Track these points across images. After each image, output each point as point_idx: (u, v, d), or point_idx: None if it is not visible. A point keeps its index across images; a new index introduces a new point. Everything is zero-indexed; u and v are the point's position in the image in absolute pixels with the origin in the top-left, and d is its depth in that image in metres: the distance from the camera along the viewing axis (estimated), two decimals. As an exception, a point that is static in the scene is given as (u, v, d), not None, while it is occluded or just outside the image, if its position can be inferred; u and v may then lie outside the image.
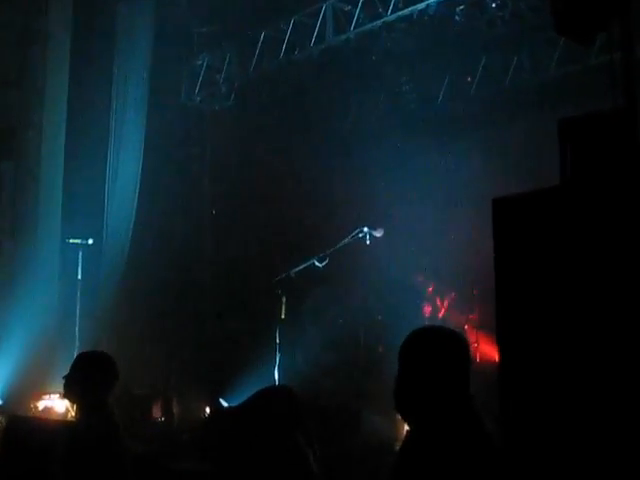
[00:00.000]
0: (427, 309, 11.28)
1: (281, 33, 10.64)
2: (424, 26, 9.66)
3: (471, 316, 11.04)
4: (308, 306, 10.89)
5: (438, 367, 3.00)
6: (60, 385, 5.10)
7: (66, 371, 4.93)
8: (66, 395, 5.07)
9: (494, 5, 9.47)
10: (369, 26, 9.88)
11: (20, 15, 10.19)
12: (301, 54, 10.53)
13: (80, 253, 9.80)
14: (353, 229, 9.19)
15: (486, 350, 10.13)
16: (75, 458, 4.64)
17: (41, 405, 9.34)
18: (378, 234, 9.17)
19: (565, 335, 3.01)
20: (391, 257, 10.96)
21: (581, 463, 2.92)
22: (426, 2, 9.28)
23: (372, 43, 10.26)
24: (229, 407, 9.57)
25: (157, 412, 9.79)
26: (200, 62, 11.70)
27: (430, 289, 11.45)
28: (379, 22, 9.76)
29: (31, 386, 9.35)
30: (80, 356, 5.14)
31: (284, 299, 8.83)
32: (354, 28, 9.90)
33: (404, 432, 3.69)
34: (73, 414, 7.09)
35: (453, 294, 11.39)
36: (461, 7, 9.55)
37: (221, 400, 9.91)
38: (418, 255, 11.48)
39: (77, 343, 9.43)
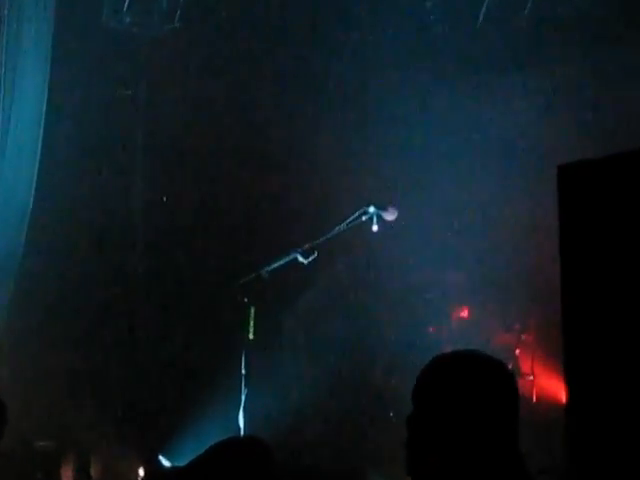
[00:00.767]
0: (457, 322, 9.94)
1: None
2: None
3: (525, 335, 9.52)
4: (288, 321, 9.98)
5: (472, 414, 2.48)
6: None
7: None
8: None
9: None
10: None
11: None
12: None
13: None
14: (354, 210, 7.93)
15: (546, 385, 9.13)
16: None
17: None
18: (390, 217, 7.95)
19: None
20: (407, 247, 9.53)
21: None
22: None
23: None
24: (172, 468, 8.88)
25: (68, 473, 8.90)
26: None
27: (463, 293, 10.04)
28: None
29: None
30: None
31: (252, 311, 7.74)
32: None
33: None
34: None
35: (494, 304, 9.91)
36: None
37: (161, 458, 9.12)
38: (444, 243, 10.02)
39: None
